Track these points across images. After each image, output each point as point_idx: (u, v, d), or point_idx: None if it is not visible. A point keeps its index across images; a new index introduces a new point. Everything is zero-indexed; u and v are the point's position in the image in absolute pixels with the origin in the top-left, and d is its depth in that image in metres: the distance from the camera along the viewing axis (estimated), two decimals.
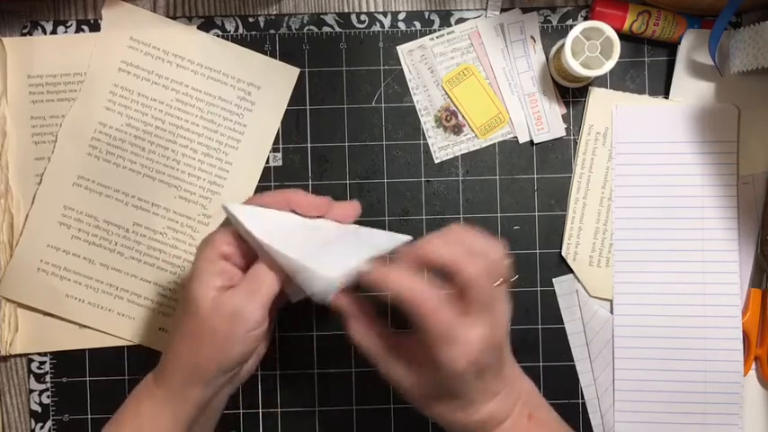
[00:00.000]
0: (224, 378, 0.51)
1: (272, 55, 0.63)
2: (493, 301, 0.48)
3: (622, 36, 0.60)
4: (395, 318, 0.62)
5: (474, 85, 0.63)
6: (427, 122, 0.63)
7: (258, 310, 0.48)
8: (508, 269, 0.49)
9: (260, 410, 0.63)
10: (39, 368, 0.63)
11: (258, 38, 0.63)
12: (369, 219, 0.63)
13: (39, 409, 0.63)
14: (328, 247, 0.50)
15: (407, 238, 0.53)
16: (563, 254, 0.62)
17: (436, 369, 0.48)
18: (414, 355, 0.50)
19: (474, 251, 0.48)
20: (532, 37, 0.62)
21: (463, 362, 0.47)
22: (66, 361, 0.63)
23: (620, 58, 0.57)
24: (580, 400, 0.62)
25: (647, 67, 0.63)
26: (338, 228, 0.53)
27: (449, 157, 0.63)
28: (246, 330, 0.48)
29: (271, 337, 0.59)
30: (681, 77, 0.62)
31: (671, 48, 0.62)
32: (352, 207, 0.54)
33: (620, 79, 0.63)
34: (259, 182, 0.63)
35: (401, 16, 0.63)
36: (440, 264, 0.48)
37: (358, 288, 0.51)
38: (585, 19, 0.63)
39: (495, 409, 0.51)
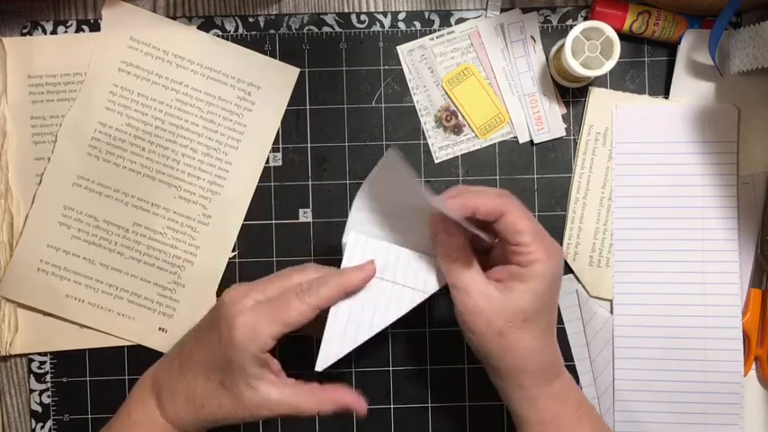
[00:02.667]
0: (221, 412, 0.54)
1: (272, 55, 0.63)
2: (545, 236, 0.51)
3: (622, 36, 0.60)
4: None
5: (474, 85, 0.63)
6: (427, 122, 0.63)
7: (274, 329, 0.51)
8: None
9: None
10: (39, 368, 0.63)
11: (258, 38, 0.63)
12: None
13: (39, 408, 0.63)
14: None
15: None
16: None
17: (530, 276, 0.50)
18: (501, 274, 0.51)
19: (500, 193, 0.51)
20: (532, 37, 0.62)
21: (552, 266, 0.50)
22: (66, 361, 0.63)
23: (620, 58, 0.57)
24: None
25: (647, 67, 0.63)
26: None
27: (449, 157, 0.63)
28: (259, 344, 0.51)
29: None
30: (681, 77, 0.62)
31: (671, 48, 0.62)
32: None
33: (620, 79, 0.63)
34: (259, 182, 0.63)
35: (401, 16, 0.63)
36: (484, 212, 0.50)
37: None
38: (585, 19, 0.63)
39: (556, 354, 0.53)
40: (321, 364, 0.52)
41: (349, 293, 0.52)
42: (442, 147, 0.63)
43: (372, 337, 0.54)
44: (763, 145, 0.62)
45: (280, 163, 0.63)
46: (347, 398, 0.53)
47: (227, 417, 0.52)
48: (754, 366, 0.62)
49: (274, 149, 0.63)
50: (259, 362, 0.50)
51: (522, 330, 0.50)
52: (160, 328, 0.63)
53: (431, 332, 0.63)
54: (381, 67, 0.63)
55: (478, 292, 0.50)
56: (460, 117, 0.63)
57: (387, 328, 0.54)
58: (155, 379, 0.56)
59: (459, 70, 0.63)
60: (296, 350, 0.63)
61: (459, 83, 0.63)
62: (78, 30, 0.63)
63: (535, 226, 0.51)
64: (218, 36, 0.63)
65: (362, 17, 0.63)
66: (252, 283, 0.53)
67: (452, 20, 0.63)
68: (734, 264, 0.61)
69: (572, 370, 0.62)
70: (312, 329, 0.53)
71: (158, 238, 0.62)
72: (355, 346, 0.52)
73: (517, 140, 0.63)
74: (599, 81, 0.62)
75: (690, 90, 0.62)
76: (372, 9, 0.63)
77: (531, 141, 0.63)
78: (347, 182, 0.63)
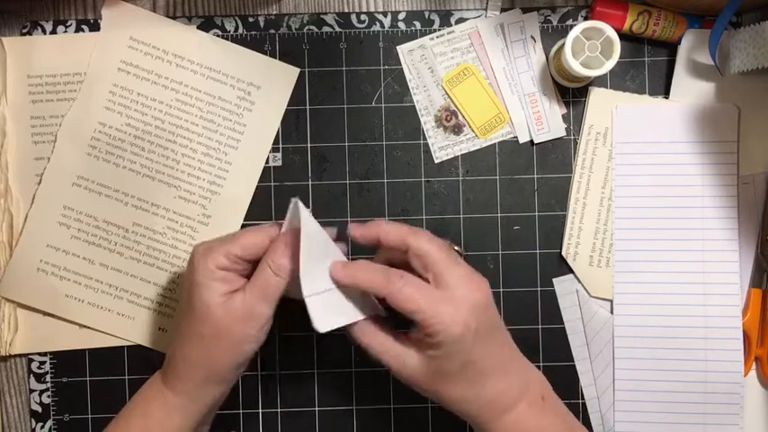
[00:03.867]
0: (236, 373, 0.54)
1: (272, 55, 0.63)
2: (454, 263, 0.51)
3: (622, 36, 0.60)
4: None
5: (474, 85, 0.63)
6: (427, 122, 0.63)
7: (268, 309, 0.52)
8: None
9: (260, 410, 0.63)
10: (39, 368, 0.63)
11: (258, 38, 0.63)
12: (369, 219, 0.62)
13: (39, 408, 0.63)
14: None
15: None
16: (563, 254, 0.62)
17: (438, 344, 0.49)
18: (415, 340, 0.52)
19: (413, 230, 0.52)
20: (532, 37, 0.62)
21: (458, 327, 0.49)
22: (66, 361, 0.63)
23: (620, 58, 0.57)
24: (580, 401, 0.62)
25: (647, 67, 0.63)
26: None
27: (449, 157, 0.63)
28: (259, 329, 0.52)
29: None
30: (681, 77, 0.62)
31: (671, 48, 0.62)
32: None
33: (621, 79, 0.63)
34: (259, 182, 0.63)
35: (401, 16, 0.63)
36: (390, 244, 0.52)
37: None
38: (586, 19, 0.63)
39: (506, 387, 0.52)
40: (318, 325, 0.51)
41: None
42: (442, 147, 0.63)
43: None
44: (763, 145, 0.62)
45: (280, 163, 0.63)
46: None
47: (208, 352, 0.52)
48: (754, 366, 0.62)
49: (274, 149, 0.63)
50: (216, 275, 0.51)
51: (454, 385, 0.51)
52: (160, 328, 0.63)
53: None
54: (381, 67, 0.63)
55: (401, 365, 0.51)
56: (460, 117, 0.63)
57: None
58: (161, 372, 0.56)
59: (460, 70, 0.63)
60: (296, 350, 0.63)
61: (460, 83, 0.63)
62: (78, 29, 0.63)
63: (423, 293, 0.49)
64: (218, 36, 0.63)
65: (362, 17, 0.63)
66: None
67: (452, 20, 0.63)
68: (734, 264, 0.61)
69: (572, 370, 0.62)
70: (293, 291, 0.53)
71: (158, 238, 0.62)
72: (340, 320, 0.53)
73: (517, 140, 0.63)
74: (599, 81, 0.62)
75: (690, 90, 0.62)
76: (372, 9, 0.63)
77: (532, 141, 0.63)
78: (347, 182, 0.63)
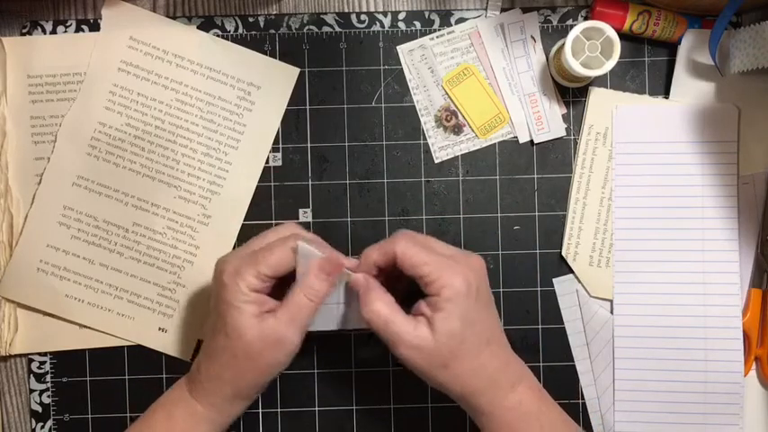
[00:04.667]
0: (261, 390, 0.56)
1: (272, 55, 0.63)
2: (443, 249, 0.54)
3: (622, 36, 0.60)
4: None
5: (474, 85, 0.63)
6: (427, 122, 0.63)
7: (299, 336, 0.53)
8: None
9: (260, 410, 0.63)
10: (39, 368, 0.63)
11: (258, 38, 0.63)
12: (369, 219, 0.63)
13: (39, 408, 0.63)
14: None
15: None
16: (563, 254, 0.62)
17: (445, 301, 0.51)
18: (421, 313, 0.52)
19: (392, 236, 0.54)
20: (532, 37, 0.62)
21: (463, 282, 0.51)
22: (66, 361, 0.63)
23: (620, 58, 0.57)
24: (580, 401, 0.62)
25: (647, 67, 0.63)
26: None
27: (449, 157, 0.63)
28: (289, 353, 0.53)
29: None
30: (681, 77, 0.62)
31: (671, 48, 0.62)
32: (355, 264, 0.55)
33: (621, 79, 0.63)
34: (259, 182, 0.63)
35: (401, 16, 0.63)
36: (383, 261, 0.53)
37: None
38: (586, 19, 0.63)
39: (505, 362, 0.53)
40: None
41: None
42: (443, 147, 0.63)
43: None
44: (763, 145, 0.62)
45: (280, 163, 0.63)
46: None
47: (239, 372, 0.53)
48: (754, 366, 0.62)
49: (274, 149, 0.63)
50: (249, 298, 0.52)
51: (463, 355, 0.51)
52: (160, 328, 0.63)
53: None
54: (381, 67, 0.63)
55: (410, 337, 0.51)
56: (460, 117, 0.63)
57: None
58: (187, 381, 0.56)
59: (460, 70, 0.63)
60: None
61: (460, 83, 0.63)
62: (78, 29, 0.63)
63: (430, 254, 0.52)
64: (218, 36, 0.63)
65: (362, 17, 0.63)
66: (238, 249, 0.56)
67: (452, 20, 0.63)
68: (734, 264, 0.61)
69: (572, 370, 0.62)
70: None
71: (158, 238, 0.62)
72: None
73: (517, 140, 0.63)
74: (599, 81, 0.62)
75: (690, 90, 0.62)
76: (372, 9, 0.63)
77: (532, 141, 0.63)
78: (347, 182, 0.63)
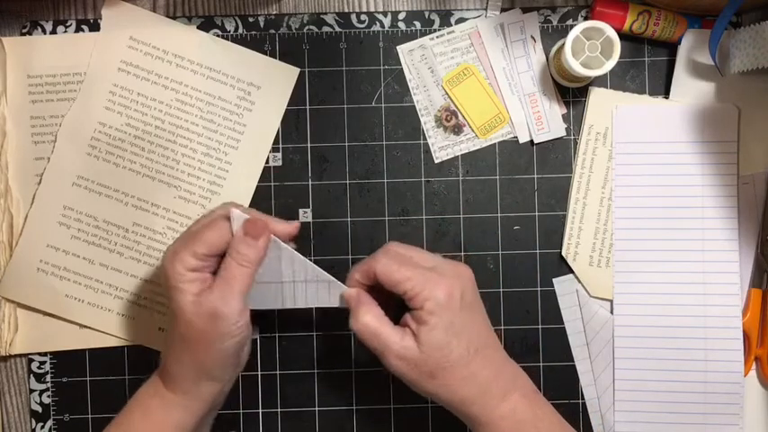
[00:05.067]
0: (228, 369, 0.55)
1: (272, 55, 0.63)
2: (428, 263, 0.54)
3: (622, 36, 0.60)
4: None
5: (474, 85, 0.63)
6: (427, 122, 0.63)
7: (236, 304, 0.52)
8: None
9: (260, 410, 0.63)
10: (39, 368, 0.63)
11: (258, 38, 0.63)
12: (369, 219, 0.63)
13: (39, 408, 0.63)
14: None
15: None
16: (563, 254, 0.62)
17: (428, 314, 0.51)
18: (406, 326, 0.53)
19: (373, 255, 0.54)
20: (532, 37, 0.62)
21: (444, 292, 0.51)
22: (66, 361, 0.63)
23: (620, 58, 0.57)
24: (580, 401, 0.62)
25: (647, 67, 0.63)
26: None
27: (449, 157, 0.63)
28: (230, 325, 0.52)
29: (258, 322, 0.61)
30: (681, 77, 0.62)
31: (671, 48, 0.62)
32: (292, 227, 0.56)
33: (621, 79, 0.63)
34: (259, 182, 0.63)
35: (401, 16, 0.63)
36: (365, 279, 0.54)
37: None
38: (586, 19, 0.63)
39: (495, 372, 0.53)
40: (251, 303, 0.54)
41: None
42: (443, 147, 0.63)
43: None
44: (763, 145, 0.62)
45: (280, 163, 0.63)
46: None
47: (192, 352, 0.53)
48: (754, 366, 0.62)
49: (274, 149, 0.63)
50: (186, 278, 0.52)
51: (451, 365, 0.51)
52: (160, 328, 0.63)
53: None
54: (381, 67, 0.63)
55: (397, 347, 0.52)
56: (460, 117, 0.63)
57: None
58: (158, 373, 0.56)
59: (460, 70, 0.63)
60: (296, 349, 0.63)
61: (460, 83, 0.63)
62: (78, 29, 0.63)
63: (411, 268, 0.52)
64: (218, 36, 0.63)
65: (362, 17, 0.63)
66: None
67: (452, 20, 0.63)
68: (734, 264, 0.61)
69: (572, 370, 0.62)
70: None
71: (158, 238, 0.62)
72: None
73: (517, 140, 0.63)
74: (599, 81, 0.62)
75: (690, 90, 0.62)
76: (372, 9, 0.63)
77: (532, 141, 0.63)
78: (347, 182, 0.63)
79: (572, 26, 0.60)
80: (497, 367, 0.53)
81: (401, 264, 0.52)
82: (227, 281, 0.53)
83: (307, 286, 0.55)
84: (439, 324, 0.51)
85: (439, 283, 0.52)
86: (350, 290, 0.54)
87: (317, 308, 0.61)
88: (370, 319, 0.52)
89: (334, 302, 0.55)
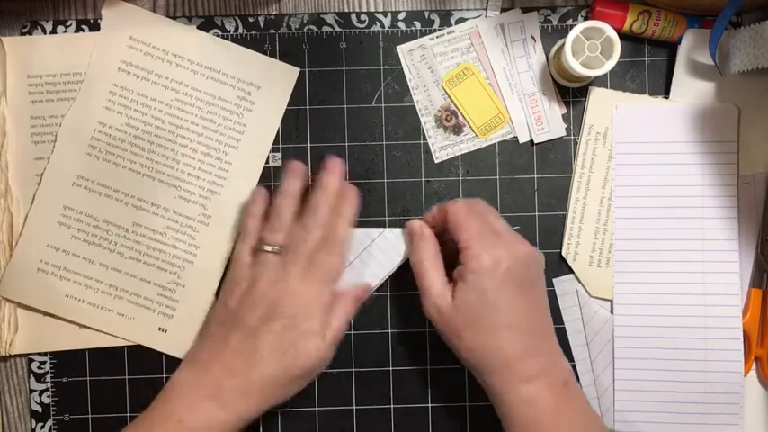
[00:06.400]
0: None
1: (272, 55, 0.63)
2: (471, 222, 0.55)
3: (622, 36, 0.60)
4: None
5: (474, 85, 0.63)
6: (427, 122, 0.63)
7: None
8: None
9: None
10: (39, 368, 0.63)
11: (258, 38, 0.63)
12: (369, 219, 0.63)
13: (39, 408, 0.63)
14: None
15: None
16: (563, 254, 0.62)
17: (469, 272, 0.53)
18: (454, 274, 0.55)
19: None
20: (532, 37, 0.62)
21: (489, 260, 0.53)
22: (66, 361, 0.63)
23: (620, 57, 0.57)
24: None
25: (647, 67, 0.63)
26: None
27: (449, 157, 0.63)
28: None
29: None
30: (681, 77, 0.62)
31: (671, 48, 0.62)
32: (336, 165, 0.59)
33: (621, 79, 0.63)
34: (259, 182, 0.63)
35: (401, 16, 0.63)
36: (439, 217, 0.57)
37: None
38: (586, 19, 0.63)
39: (524, 351, 0.53)
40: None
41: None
42: (443, 147, 0.63)
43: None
44: (763, 145, 0.62)
45: (280, 163, 0.63)
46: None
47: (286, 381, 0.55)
48: (754, 366, 0.62)
49: (274, 149, 0.63)
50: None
51: (476, 329, 0.52)
52: (160, 328, 0.63)
53: (431, 332, 0.63)
54: (381, 67, 0.63)
55: (435, 295, 0.54)
56: (460, 117, 0.63)
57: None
58: (207, 384, 0.55)
59: (460, 70, 0.63)
60: None
61: (460, 83, 0.63)
62: (78, 29, 0.63)
63: (477, 224, 0.53)
64: (218, 36, 0.63)
65: (362, 17, 0.63)
66: None
67: (452, 20, 0.63)
68: (734, 264, 0.61)
69: (572, 370, 0.62)
70: None
71: (158, 238, 0.62)
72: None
73: (517, 140, 0.63)
74: (599, 81, 0.62)
75: (690, 90, 0.62)
76: (372, 9, 0.63)
77: (532, 141, 0.63)
78: (347, 182, 0.63)
79: (572, 26, 0.60)
80: (530, 350, 0.53)
81: (472, 215, 0.54)
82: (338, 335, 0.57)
83: (371, 251, 0.59)
84: (475, 286, 0.52)
85: (491, 248, 0.53)
86: (414, 222, 0.57)
87: None
88: (425, 258, 0.54)
89: (401, 251, 0.60)
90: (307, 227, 0.56)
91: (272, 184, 0.63)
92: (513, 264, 0.53)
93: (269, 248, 0.56)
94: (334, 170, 0.58)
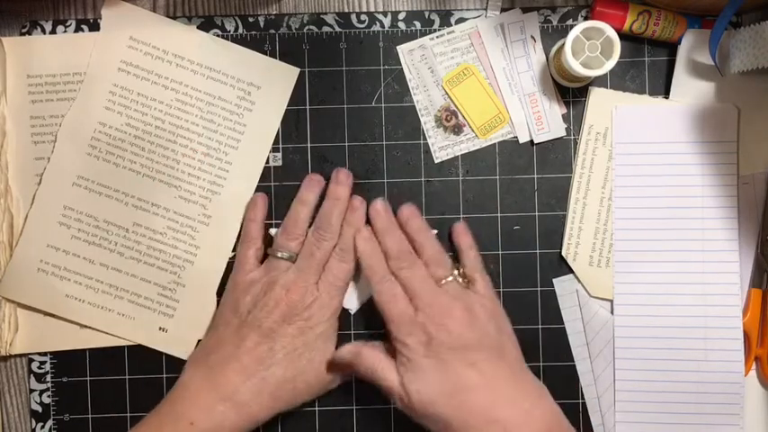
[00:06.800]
0: None
1: (272, 55, 0.63)
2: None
3: (622, 36, 0.60)
4: None
5: (474, 85, 0.63)
6: (427, 122, 0.63)
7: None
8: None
9: None
10: (39, 368, 0.63)
11: (258, 38, 0.63)
12: (369, 218, 0.63)
13: (39, 408, 0.63)
14: None
15: None
16: (563, 254, 0.62)
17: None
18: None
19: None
20: (532, 37, 0.62)
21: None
22: (66, 361, 0.63)
23: (620, 57, 0.57)
24: (580, 400, 0.62)
25: (647, 67, 0.63)
26: None
27: (449, 157, 0.63)
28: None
29: None
30: (681, 77, 0.62)
31: (671, 48, 0.62)
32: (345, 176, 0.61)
33: (621, 79, 0.63)
34: (259, 182, 0.63)
35: (401, 16, 0.63)
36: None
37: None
38: (586, 19, 0.63)
39: (489, 403, 0.54)
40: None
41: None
42: (443, 147, 0.63)
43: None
44: (762, 145, 0.62)
45: (280, 163, 0.63)
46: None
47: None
48: (754, 366, 0.62)
49: (274, 149, 0.63)
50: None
51: (434, 405, 0.55)
52: (160, 328, 0.63)
53: None
54: (381, 67, 0.63)
55: (399, 392, 0.56)
56: (460, 117, 0.63)
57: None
58: (221, 386, 0.56)
59: (460, 70, 0.63)
60: None
61: (460, 83, 0.63)
62: (78, 29, 0.63)
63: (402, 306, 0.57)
64: (218, 36, 0.63)
65: (362, 17, 0.63)
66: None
67: (452, 20, 0.63)
68: (734, 264, 0.61)
69: (572, 370, 0.62)
70: None
71: (158, 238, 0.62)
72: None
73: (517, 140, 0.63)
74: (599, 81, 0.62)
75: (690, 90, 0.62)
76: (372, 9, 0.63)
77: (532, 141, 0.63)
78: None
79: (572, 26, 0.60)
80: (489, 404, 0.54)
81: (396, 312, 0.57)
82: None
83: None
84: (418, 375, 0.55)
85: (411, 331, 0.56)
86: (345, 348, 0.59)
87: None
88: (374, 368, 0.57)
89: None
90: (320, 235, 0.59)
91: (272, 184, 0.63)
92: (434, 333, 0.56)
93: (284, 255, 0.59)
94: (345, 182, 0.60)
